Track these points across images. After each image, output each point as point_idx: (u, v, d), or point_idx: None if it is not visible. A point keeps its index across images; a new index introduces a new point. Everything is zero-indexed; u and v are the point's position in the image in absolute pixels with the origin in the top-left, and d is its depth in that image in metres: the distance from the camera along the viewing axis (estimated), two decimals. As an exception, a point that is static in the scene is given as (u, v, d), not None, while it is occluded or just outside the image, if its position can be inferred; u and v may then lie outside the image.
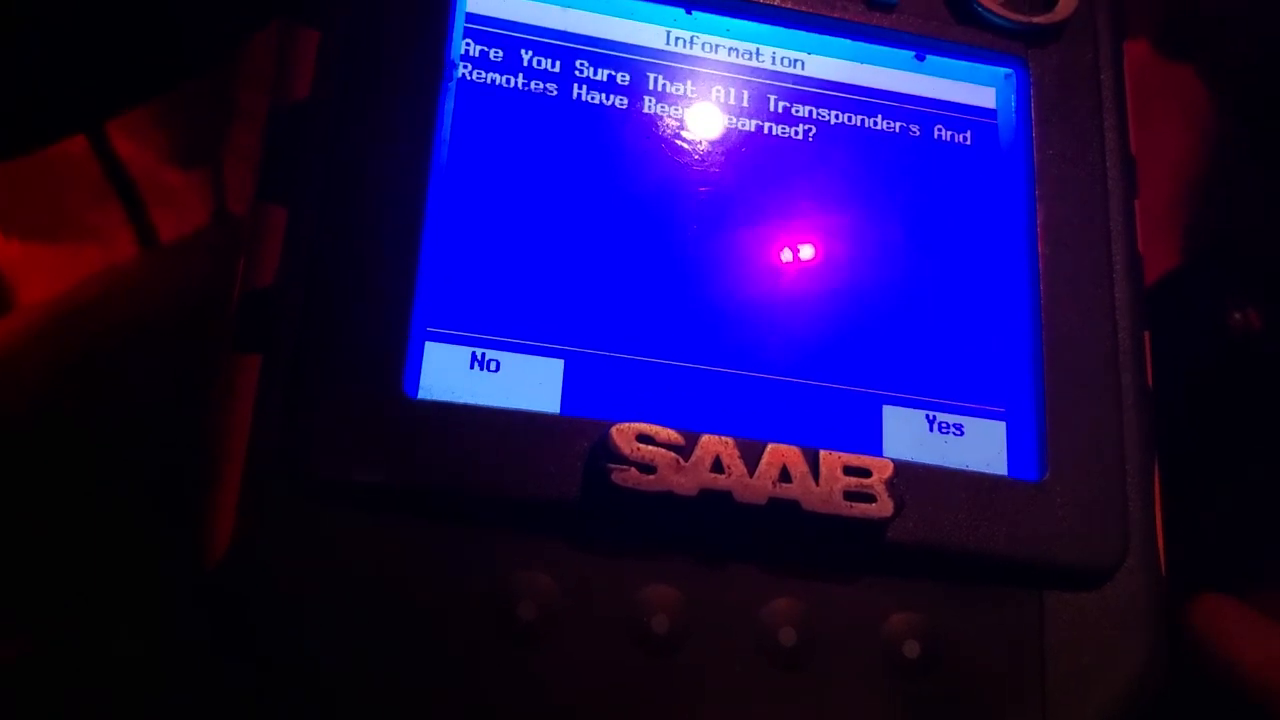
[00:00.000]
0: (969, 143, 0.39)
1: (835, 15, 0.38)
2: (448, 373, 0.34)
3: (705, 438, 0.32)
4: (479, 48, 0.37)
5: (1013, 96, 0.40)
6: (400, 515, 0.32)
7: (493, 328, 0.34)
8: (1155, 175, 0.44)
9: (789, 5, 0.38)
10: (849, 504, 0.32)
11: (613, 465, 0.32)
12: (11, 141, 0.44)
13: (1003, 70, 0.40)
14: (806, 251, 0.37)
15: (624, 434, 0.32)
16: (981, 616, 0.34)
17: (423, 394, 0.33)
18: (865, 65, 0.39)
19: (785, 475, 0.32)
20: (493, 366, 0.34)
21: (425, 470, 0.31)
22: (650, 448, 0.32)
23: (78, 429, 0.46)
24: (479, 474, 0.32)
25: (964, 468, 0.35)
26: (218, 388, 0.32)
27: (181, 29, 0.43)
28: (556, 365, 0.34)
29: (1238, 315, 0.51)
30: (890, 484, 0.33)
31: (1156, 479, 0.37)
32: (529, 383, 0.34)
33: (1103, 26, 0.41)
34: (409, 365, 0.33)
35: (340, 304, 0.33)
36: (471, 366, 0.34)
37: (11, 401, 0.48)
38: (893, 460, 0.33)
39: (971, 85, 0.40)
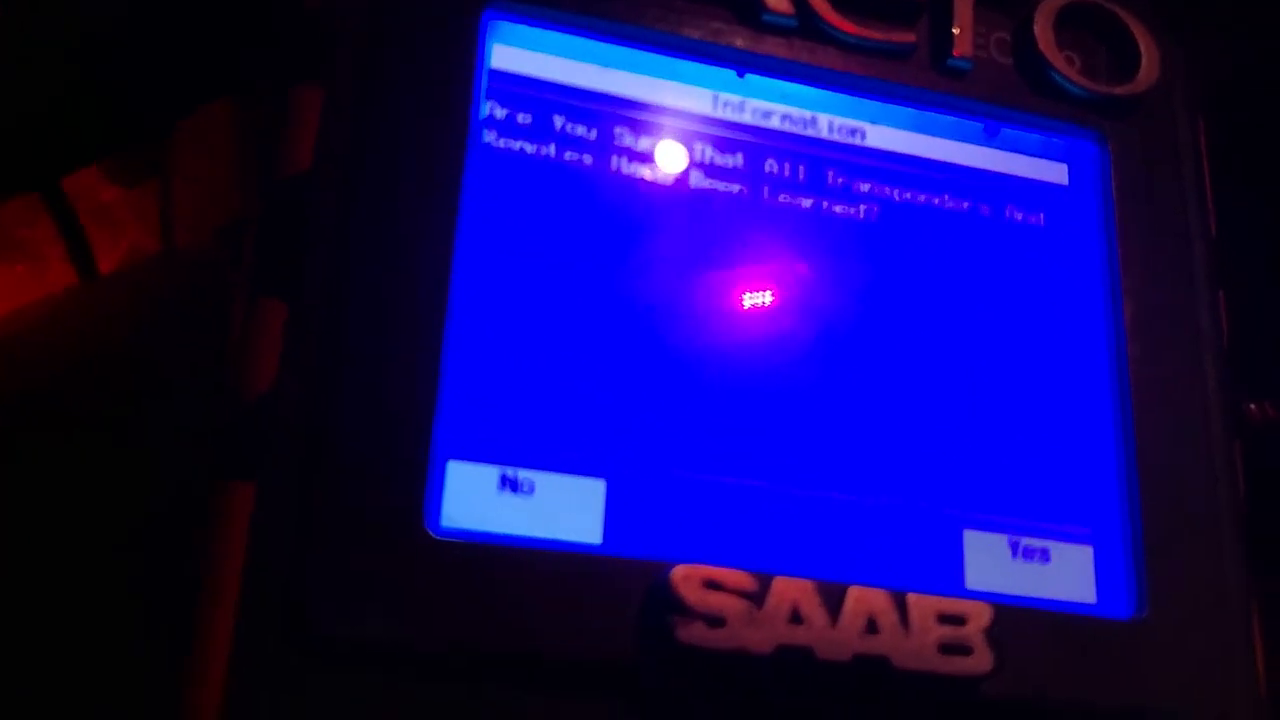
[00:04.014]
0: (1043, 224, 0.35)
1: (901, 81, 0.34)
2: (474, 497, 0.29)
3: (779, 581, 0.28)
4: (504, 110, 0.32)
5: (1088, 173, 0.36)
6: (422, 678, 0.26)
7: (523, 444, 0.29)
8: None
9: (851, 69, 0.34)
10: (945, 658, 0.28)
11: (677, 617, 0.27)
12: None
13: (1077, 144, 0.36)
14: (874, 350, 0.32)
15: (688, 579, 0.27)
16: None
17: (446, 523, 0.28)
18: (931, 136, 0.35)
19: (872, 626, 0.28)
20: (525, 488, 0.29)
21: (452, 625, 0.26)
22: (718, 595, 0.27)
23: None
24: (516, 630, 0.27)
25: (1053, 598, 0.31)
26: (204, 522, 0.27)
27: (133, 104, 0.41)
28: (598, 486, 0.30)
29: (1253, 407, 0.48)
30: (988, 633, 0.28)
31: (1255, 609, 0.33)
32: (567, 507, 0.29)
33: (1179, 100, 0.37)
34: (430, 490, 0.28)
35: (349, 419, 0.27)
36: (502, 488, 0.29)
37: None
38: (989, 602, 0.29)
39: (1043, 161, 0.36)
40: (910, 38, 0.34)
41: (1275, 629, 0.37)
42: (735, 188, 0.33)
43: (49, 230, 0.51)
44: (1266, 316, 0.48)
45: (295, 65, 0.31)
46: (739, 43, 0.33)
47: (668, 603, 0.27)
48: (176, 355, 0.41)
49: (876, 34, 0.34)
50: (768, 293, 0.32)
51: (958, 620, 0.28)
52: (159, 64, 0.44)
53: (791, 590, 0.28)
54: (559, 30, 0.32)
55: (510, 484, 0.29)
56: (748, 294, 0.32)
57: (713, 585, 0.27)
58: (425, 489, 0.27)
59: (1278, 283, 0.48)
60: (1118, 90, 0.36)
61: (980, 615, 0.29)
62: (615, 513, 0.29)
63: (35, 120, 0.42)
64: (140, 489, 0.38)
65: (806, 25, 0.33)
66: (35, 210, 0.51)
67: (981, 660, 0.28)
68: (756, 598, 0.27)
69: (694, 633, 0.27)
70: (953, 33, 0.34)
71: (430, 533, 0.27)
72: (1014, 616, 0.30)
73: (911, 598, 0.28)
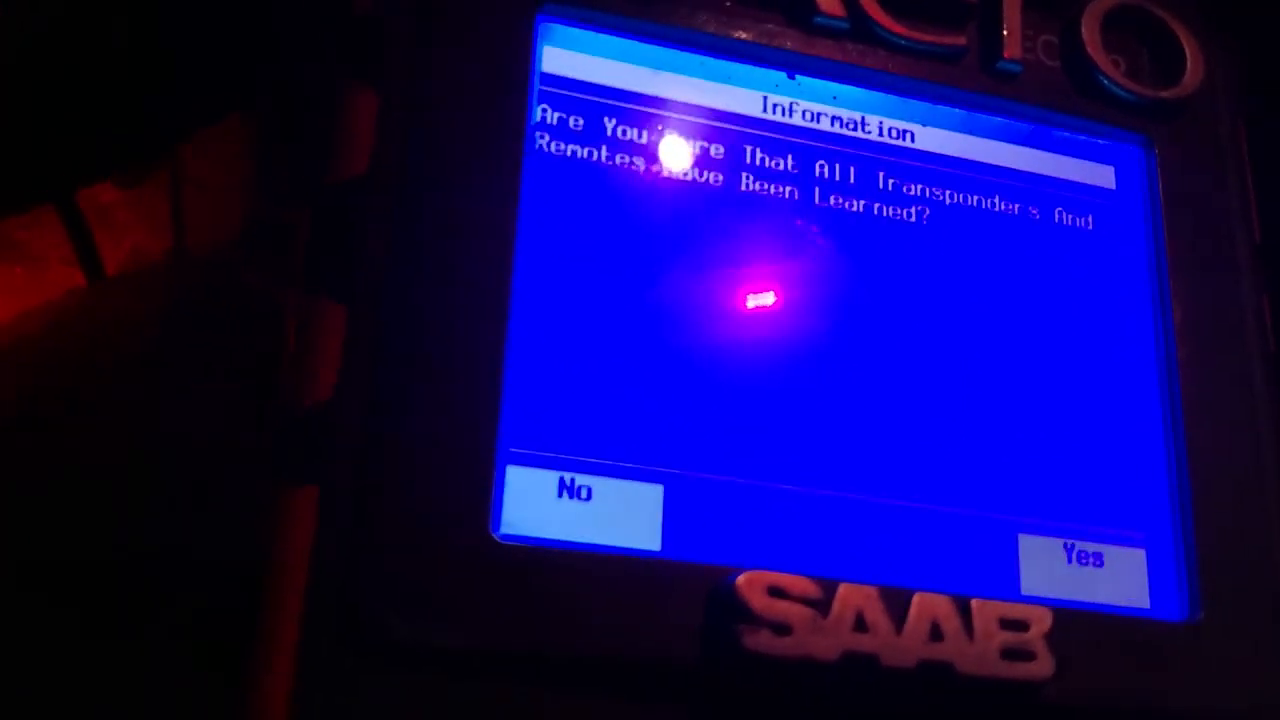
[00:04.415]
0: (1091, 227, 0.35)
1: (952, 84, 0.34)
2: (533, 502, 0.28)
3: (844, 588, 0.28)
4: (556, 114, 0.31)
5: (1135, 176, 0.36)
6: (485, 681, 0.26)
7: (582, 448, 0.29)
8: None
9: (902, 71, 0.34)
10: (1008, 664, 0.28)
11: (743, 625, 0.27)
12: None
13: (1124, 148, 0.36)
14: (928, 355, 0.32)
15: (753, 585, 0.27)
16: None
17: (506, 529, 0.28)
18: (980, 139, 0.35)
19: (936, 632, 0.28)
20: (583, 494, 0.29)
21: (517, 630, 0.26)
22: (784, 603, 0.27)
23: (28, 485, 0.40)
24: (580, 635, 0.27)
25: (1107, 602, 0.31)
26: (264, 529, 0.26)
27: (150, 119, 0.42)
28: (655, 491, 0.29)
29: None
30: (1049, 638, 0.28)
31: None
32: (625, 513, 0.29)
33: (1224, 104, 0.37)
34: (492, 495, 0.27)
35: (411, 423, 0.27)
36: (560, 494, 0.29)
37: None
38: (1049, 607, 0.29)
39: (1090, 163, 0.36)
40: (960, 40, 0.34)
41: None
42: (786, 190, 0.33)
43: (49, 231, 0.51)
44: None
45: (342, 68, 0.30)
46: (790, 45, 0.33)
47: (733, 609, 0.27)
48: (186, 357, 0.41)
49: (927, 36, 0.34)
50: (820, 296, 0.32)
51: (1020, 626, 0.28)
52: (178, 73, 0.44)
53: (856, 597, 0.28)
54: (611, 34, 0.32)
55: (569, 489, 0.29)
56: (800, 298, 0.32)
57: (777, 592, 0.27)
58: (490, 494, 0.27)
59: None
60: (1163, 94, 0.36)
61: (1041, 620, 0.29)
62: (673, 519, 0.29)
63: (49, 132, 0.42)
64: (148, 497, 0.38)
65: (858, 28, 0.33)
66: (36, 212, 0.51)
67: (1044, 665, 0.28)
68: (821, 605, 0.27)
69: (760, 641, 0.27)
70: (1002, 35, 0.34)
71: (494, 538, 0.27)
72: (1071, 621, 0.30)
73: (974, 604, 0.28)
